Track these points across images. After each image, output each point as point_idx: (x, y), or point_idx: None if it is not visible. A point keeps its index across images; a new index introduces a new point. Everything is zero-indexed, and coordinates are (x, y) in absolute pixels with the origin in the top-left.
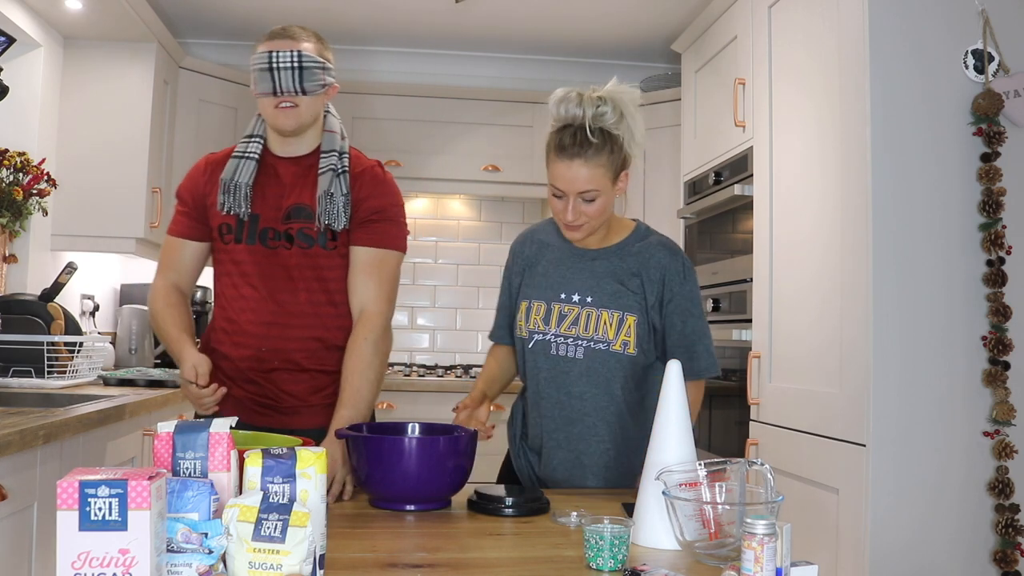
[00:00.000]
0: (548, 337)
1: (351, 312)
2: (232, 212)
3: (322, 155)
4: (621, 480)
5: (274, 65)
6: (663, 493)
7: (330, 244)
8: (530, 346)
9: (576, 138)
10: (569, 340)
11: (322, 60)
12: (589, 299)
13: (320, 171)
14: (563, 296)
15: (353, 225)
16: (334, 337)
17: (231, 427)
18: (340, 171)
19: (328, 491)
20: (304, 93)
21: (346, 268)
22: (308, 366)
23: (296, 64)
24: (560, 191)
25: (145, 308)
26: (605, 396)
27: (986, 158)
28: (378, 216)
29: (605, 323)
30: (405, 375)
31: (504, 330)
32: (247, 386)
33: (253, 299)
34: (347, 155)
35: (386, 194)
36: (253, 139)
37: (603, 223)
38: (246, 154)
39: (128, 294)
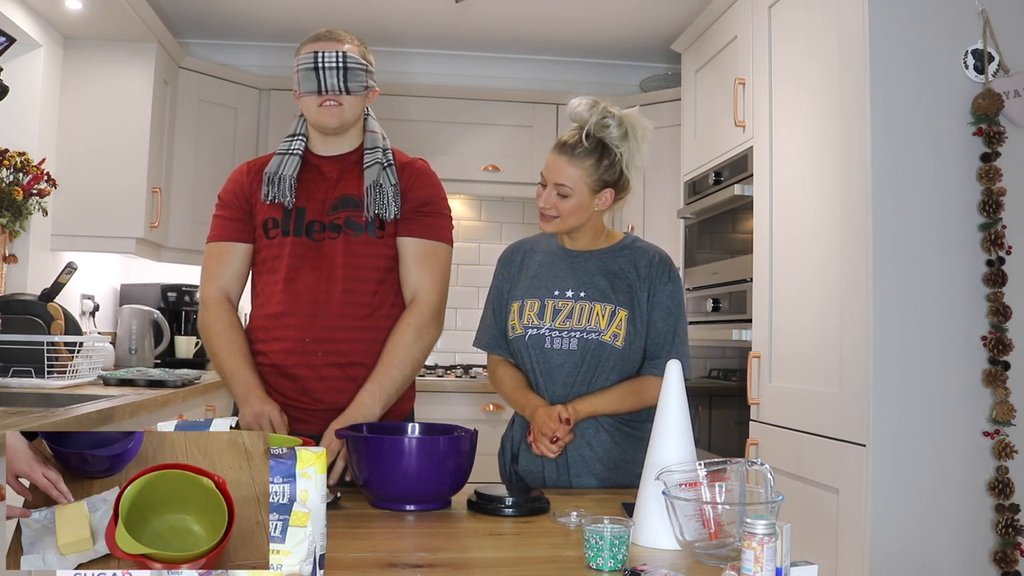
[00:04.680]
0: (543, 331)
1: (401, 302)
2: (277, 201)
3: (366, 151)
4: (613, 477)
5: (319, 65)
6: (663, 493)
7: (378, 232)
8: (525, 340)
9: (573, 137)
10: (563, 333)
11: (365, 62)
12: (582, 294)
13: (366, 165)
14: (556, 293)
15: (402, 215)
16: (377, 328)
17: (231, 427)
18: (387, 164)
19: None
20: (348, 93)
21: (393, 259)
22: (353, 358)
23: (341, 64)
24: (543, 179)
25: (145, 308)
26: (598, 388)
27: (986, 158)
28: (428, 208)
29: (598, 315)
30: None
31: (502, 339)
32: (287, 383)
33: (296, 291)
34: (391, 152)
35: (433, 185)
36: (296, 137)
37: (578, 225)
38: (290, 151)
39: (128, 294)
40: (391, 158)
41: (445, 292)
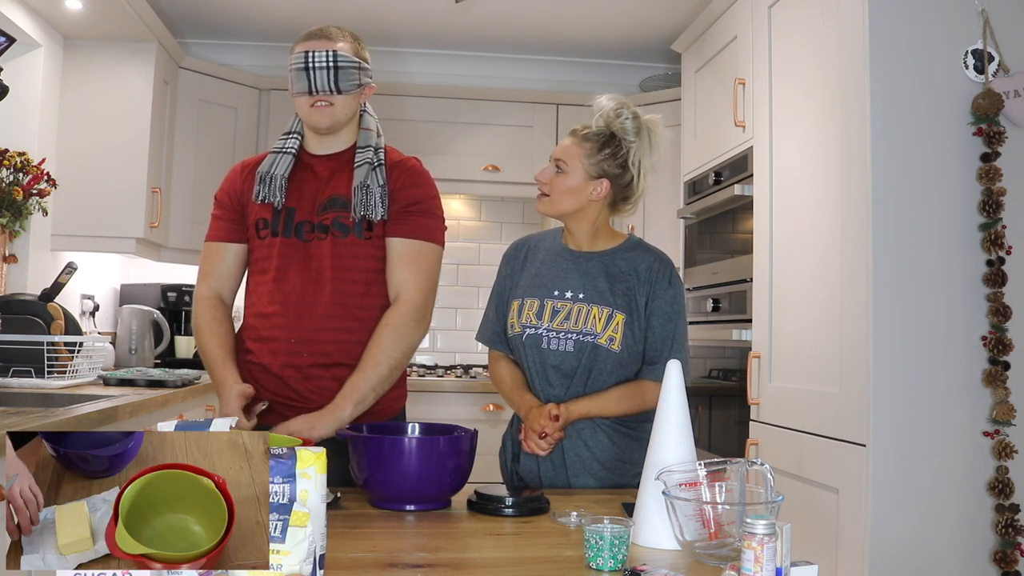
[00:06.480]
0: (540, 332)
1: (387, 303)
2: (268, 201)
3: (358, 150)
4: (611, 477)
5: (310, 65)
6: (663, 493)
7: (366, 234)
8: (523, 339)
9: (587, 125)
10: (560, 334)
11: (358, 60)
12: (581, 295)
13: (356, 164)
14: (556, 293)
15: (391, 216)
16: (365, 329)
17: (231, 427)
18: (376, 164)
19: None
20: (339, 92)
21: (381, 260)
22: (338, 359)
23: (332, 64)
24: (550, 156)
25: (145, 308)
26: (595, 391)
27: (986, 158)
28: (416, 208)
29: (595, 318)
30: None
31: (503, 335)
32: (275, 382)
33: (284, 292)
34: (383, 150)
35: (423, 185)
36: (291, 136)
37: (569, 211)
38: (283, 150)
39: (128, 294)
40: (382, 157)
41: (431, 293)
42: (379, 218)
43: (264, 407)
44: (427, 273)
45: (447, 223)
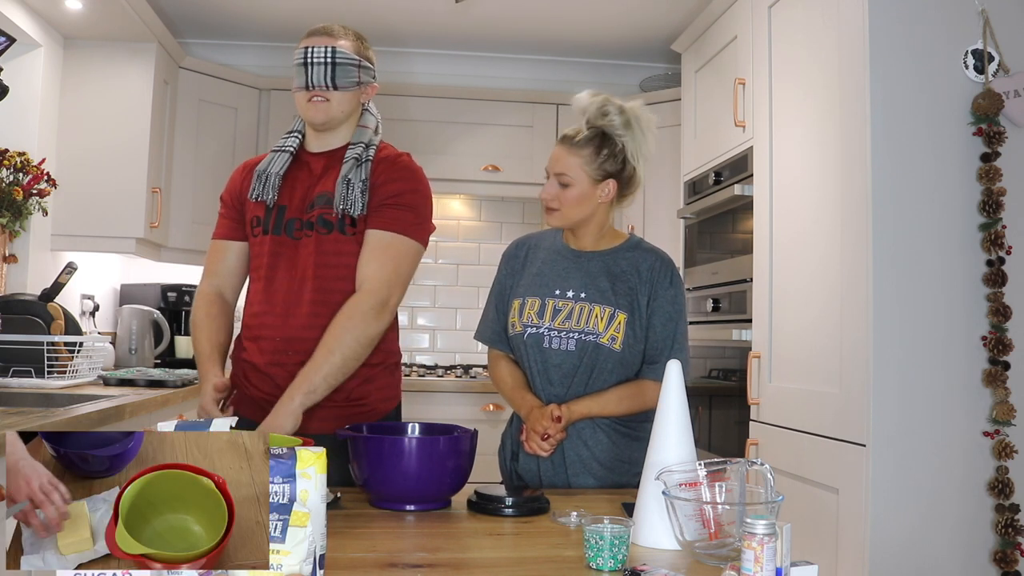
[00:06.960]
0: (541, 331)
1: None
2: (260, 199)
3: (350, 146)
4: (611, 477)
5: (309, 60)
6: (663, 493)
7: (349, 230)
8: (524, 339)
9: (574, 129)
10: (562, 334)
11: (358, 58)
12: (583, 295)
13: (344, 160)
14: (557, 292)
15: (369, 209)
16: None
17: (231, 427)
18: (363, 160)
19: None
20: (336, 89)
21: None
22: None
23: (330, 60)
24: (547, 173)
25: (145, 308)
26: (596, 390)
27: (986, 158)
28: (393, 201)
29: (596, 317)
30: (405, 375)
31: (503, 335)
32: (265, 384)
33: (273, 290)
34: (374, 147)
35: (406, 180)
36: (292, 134)
37: (582, 218)
38: (283, 148)
39: (128, 294)
40: (372, 154)
41: (396, 286)
42: (358, 213)
43: (234, 394)
44: (394, 265)
45: (447, 223)
